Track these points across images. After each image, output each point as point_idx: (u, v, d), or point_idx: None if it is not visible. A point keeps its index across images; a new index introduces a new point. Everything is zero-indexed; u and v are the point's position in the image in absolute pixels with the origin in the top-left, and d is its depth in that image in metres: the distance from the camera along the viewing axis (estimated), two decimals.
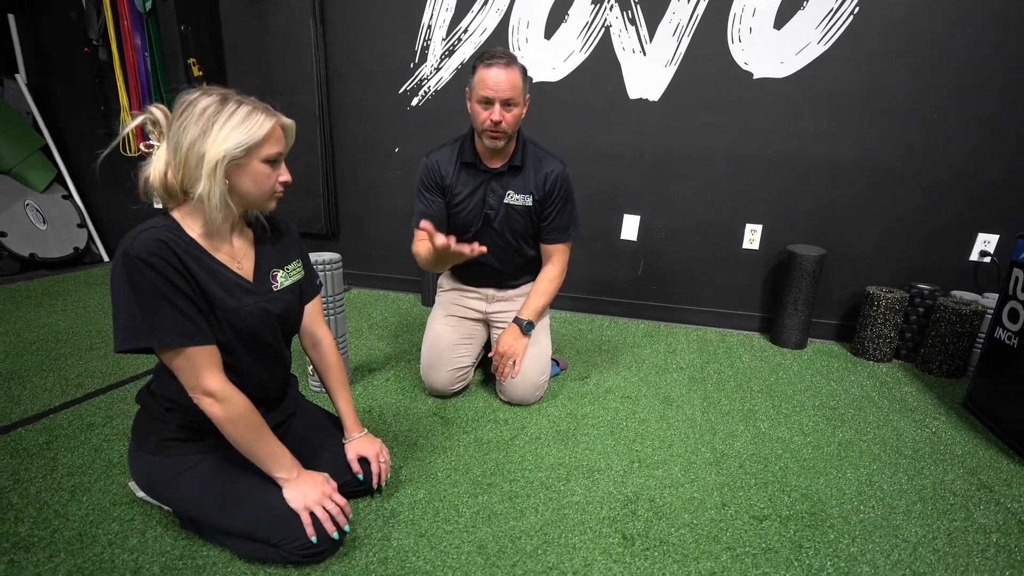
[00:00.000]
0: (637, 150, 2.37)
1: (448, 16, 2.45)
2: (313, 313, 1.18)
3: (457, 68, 2.49)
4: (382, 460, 1.18)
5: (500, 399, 1.68)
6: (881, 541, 1.14)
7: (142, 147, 3.04)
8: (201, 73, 2.78)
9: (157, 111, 0.89)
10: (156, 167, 0.89)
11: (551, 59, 2.37)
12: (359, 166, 2.79)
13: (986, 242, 2.08)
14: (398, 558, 1.03)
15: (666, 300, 2.52)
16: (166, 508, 1.12)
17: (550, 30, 2.34)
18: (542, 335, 1.68)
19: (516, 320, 1.61)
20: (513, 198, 1.57)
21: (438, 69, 2.52)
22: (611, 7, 2.24)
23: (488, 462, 1.36)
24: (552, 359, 1.95)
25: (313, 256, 2.62)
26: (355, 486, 1.17)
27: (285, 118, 0.95)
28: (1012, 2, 1.86)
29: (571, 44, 2.33)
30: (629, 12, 2.23)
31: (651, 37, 2.23)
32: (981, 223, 2.07)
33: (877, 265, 2.22)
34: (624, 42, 2.27)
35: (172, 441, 1.00)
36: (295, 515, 0.96)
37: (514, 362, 1.59)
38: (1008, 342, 1.58)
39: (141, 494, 1.13)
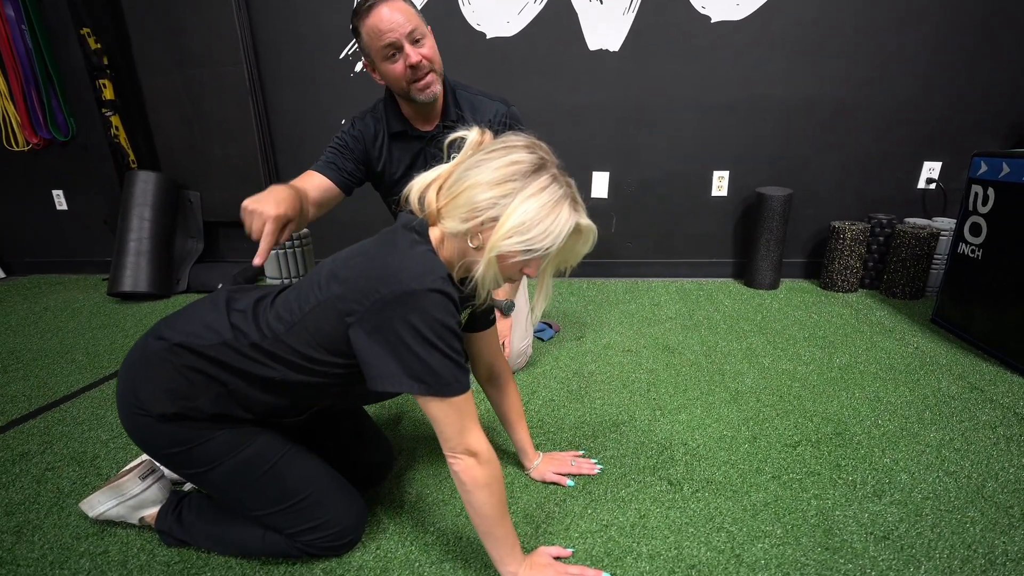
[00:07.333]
0: (601, 104, 2.31)
1: None
2: (495, 344, 1.05)
3: None
4: (573, 463, 1.12)
5: None
6: (907, 449, 1.16)
7: (32, 142, 2.61)
8: (99, 46, 2.40)
9: (478, 135, 0.80)
10: (424, 178, 0.78)
11: (504, 13, 2.24)
12: (301, 141, 2.54)
13: (931, 169, 2.21)
14: (435, 543, 0.93)
15: (641, 256, 2.50)
16: (136, 524, 0.94)
17: None
18: (518, 299, 1.58)
19: (495, 303, 1.49)
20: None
21: None
22: None
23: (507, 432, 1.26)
24: (544, 322, 1.87)
25: None
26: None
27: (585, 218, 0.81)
28: None
29: None
30: None
31: None
32: (926, 152, 2.20)
33: (838, 200, 2.31)
34: None
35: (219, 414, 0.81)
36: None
37: (503, 343, 1.50)
38: (972, 255, 1.68)
39: (98, 511, 0.94)
